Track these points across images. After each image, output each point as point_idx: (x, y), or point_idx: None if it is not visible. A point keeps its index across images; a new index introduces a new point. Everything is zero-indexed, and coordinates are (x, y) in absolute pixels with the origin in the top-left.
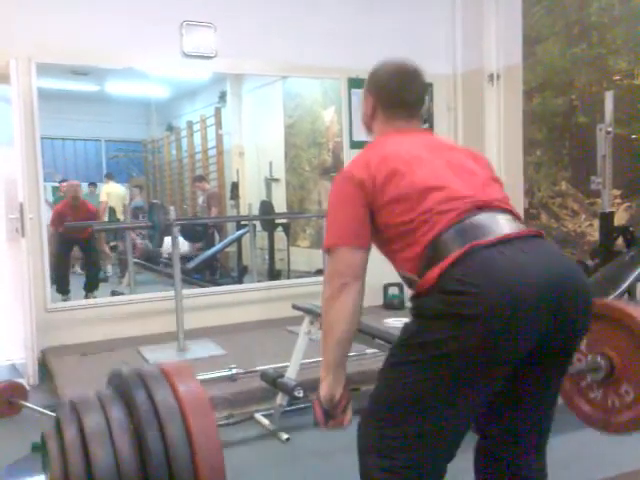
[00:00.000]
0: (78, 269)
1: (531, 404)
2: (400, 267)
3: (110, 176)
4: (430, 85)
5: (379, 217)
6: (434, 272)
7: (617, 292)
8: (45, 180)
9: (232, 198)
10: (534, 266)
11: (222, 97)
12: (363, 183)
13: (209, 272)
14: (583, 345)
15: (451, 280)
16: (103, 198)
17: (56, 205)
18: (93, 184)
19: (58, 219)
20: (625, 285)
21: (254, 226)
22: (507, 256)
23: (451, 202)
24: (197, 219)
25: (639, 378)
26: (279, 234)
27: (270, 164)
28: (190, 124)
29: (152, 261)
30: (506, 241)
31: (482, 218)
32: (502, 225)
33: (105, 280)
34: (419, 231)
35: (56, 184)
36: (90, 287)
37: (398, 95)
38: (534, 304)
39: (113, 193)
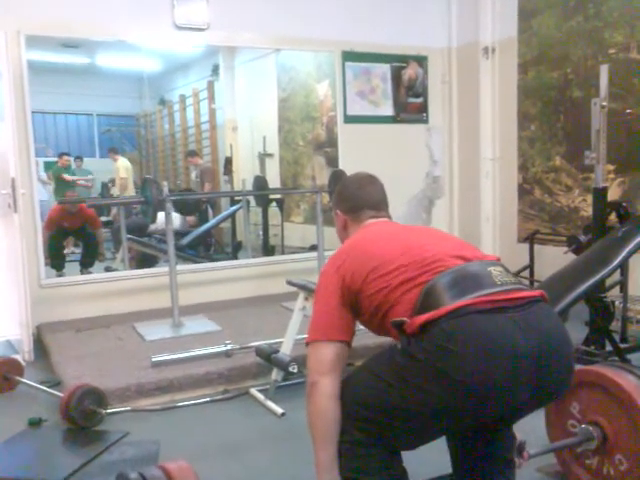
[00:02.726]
0: (73, 249)
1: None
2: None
3: (116, 150)
4: (425, 58)
5: (366, 291)
6: (425, 317)
7: (609, 267)
8: (37, 155)
9: (225, 173)
10: (522, 341)
11: (215, 70)
12: (338, 272)
13: (203, 248)
14: (577, 412)
15: (440, 333)
16: (123, 174)
17: (50, 211)
18: (79, 158)
19: (52, 225)
20: (618, 261)
21: (248, 202)
22: (497, 327)
23: (439, 255)
24: (190, 194)
25: (632, 448)
26: (273, 210)
27: (264, 139)
28: (183, 98)
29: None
30: (500, 308)
31: (473, 268)
32: (495, 278)
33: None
34: (410, 283)
35: (53, 159)
36: (86, 263)
37: (359, 197)
38: (514, 380)
39: (129, 168)
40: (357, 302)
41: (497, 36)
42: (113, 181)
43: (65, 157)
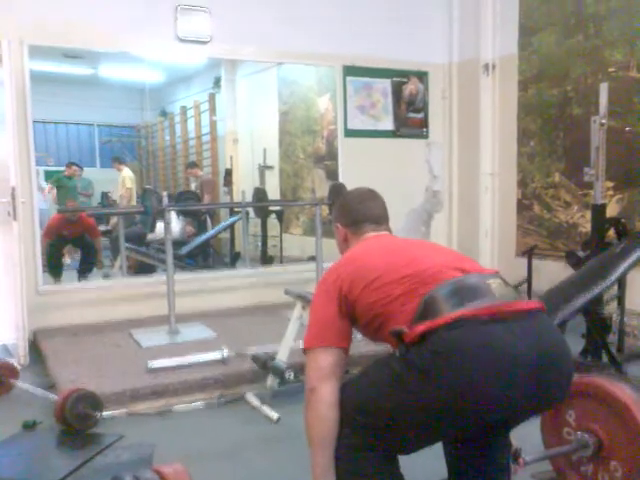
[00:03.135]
0: (69, 260)
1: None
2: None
3: (121, 160)
4: (426, 74)
5: (364, 300)
6: (424, 326)
7: (607, 283)
8: (37, 164)
9: (225, 185)
10: (520, 351)
11: (216, 83)
12: (335, 282)
13: (202, 257)
14: (572, 420)
15: (439, 342)
16: (129, 184)
17: (50, 220)
18: (79, 167)
19: (52, 233)
20: (615, 276)
21: (247, 213)
22: (496, 337)
23: (438, 267)
24: (190, 205)
25: (627, 455)
26: (272, 221)
27: (264, 151)
28: (184, 109)
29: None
30: (499, 319)
31: (472, 280)
32: (493, 290)
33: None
34: (410, 294)
35: (54, 168)
36: (84, 271)
37: (359, 211)
38: (512, 388)
39: (133, 178)
40: (353, 312)
41: (497, 53)
42: (110, 199)
43: (74, 167)
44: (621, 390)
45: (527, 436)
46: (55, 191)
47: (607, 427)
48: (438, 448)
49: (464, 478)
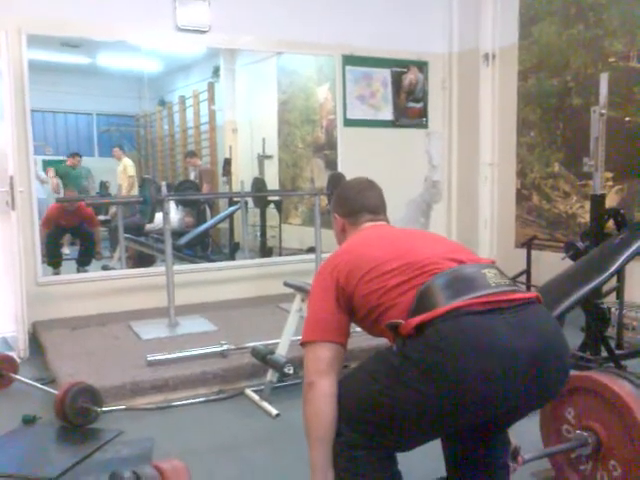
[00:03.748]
0: (67, 250)
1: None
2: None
3: (124, 148)
4: (425, 64)
5: (360, 292)
6: (420, 319)
7: (606, 274)
8: (36, 153)
9: (224, 174)
10: (516, 341)
11: (215, 72)
12: (332, 274)
13: (200, 248)
14: (572, 418)
15: (435, 334)
16: (131, 172)
17: (48, 209)
18: (78, 156)
19: (50, 223)
20: (614, 267)
21: (246, 203)
22: (491, 327)
23: (434, 258)
24: (189, 194)
25: (626, 454)
26: (271, 211)
27: (263, 141)
28: (183, 99)
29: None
30: (495, 310)
31: (468, 270)
32: (489, 280)
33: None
34: (406, 285)
35: (52, 157)
36: (83, 261)
37: (357, 201)
38: (509, 379)
39: (134, 166)
40: (351, 304)
41: (497, 43)
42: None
43: (77, 157)
44: (621, 387)
45: (526, 434)
46: (56, 178)
47: (606, 425)
48: (437, 447)
49: (463, 476)
